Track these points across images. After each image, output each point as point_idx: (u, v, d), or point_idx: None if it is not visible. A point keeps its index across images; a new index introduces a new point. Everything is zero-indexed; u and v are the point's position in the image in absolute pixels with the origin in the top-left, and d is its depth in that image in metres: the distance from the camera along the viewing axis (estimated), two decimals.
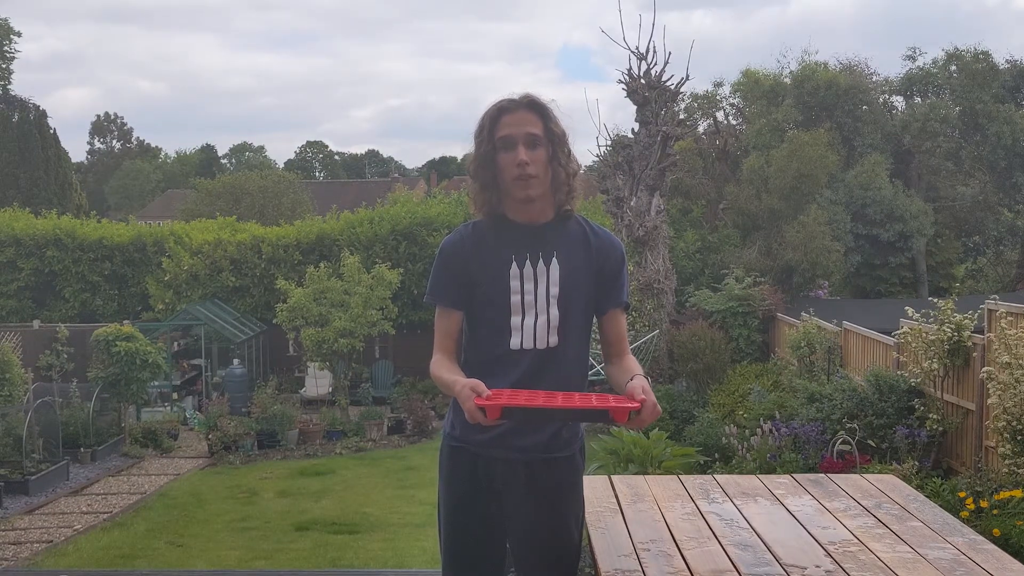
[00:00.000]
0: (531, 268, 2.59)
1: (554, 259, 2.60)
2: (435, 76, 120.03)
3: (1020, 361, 7.06)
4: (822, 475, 3.67)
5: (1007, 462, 7.06)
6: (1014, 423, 7.00)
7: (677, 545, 2.85)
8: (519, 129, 2.54)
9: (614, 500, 3.29)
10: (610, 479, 3.54)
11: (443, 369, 2.59)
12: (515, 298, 2.59)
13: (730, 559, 2.73)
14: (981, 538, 2.93)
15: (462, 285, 2.63)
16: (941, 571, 2.61)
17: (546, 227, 2.63)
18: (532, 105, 2.58)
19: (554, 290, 2.59)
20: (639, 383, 2.42)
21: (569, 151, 2.62)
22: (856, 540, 2.86)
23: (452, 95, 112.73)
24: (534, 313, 2.59)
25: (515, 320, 2.59)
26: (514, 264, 2.60)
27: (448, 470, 2.72)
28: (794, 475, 3.65)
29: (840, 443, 8.77)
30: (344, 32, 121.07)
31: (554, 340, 2.59)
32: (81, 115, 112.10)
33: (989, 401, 7.50)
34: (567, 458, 2.67)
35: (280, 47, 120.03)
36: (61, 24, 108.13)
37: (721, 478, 3.62)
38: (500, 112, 2.58)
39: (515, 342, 2.58)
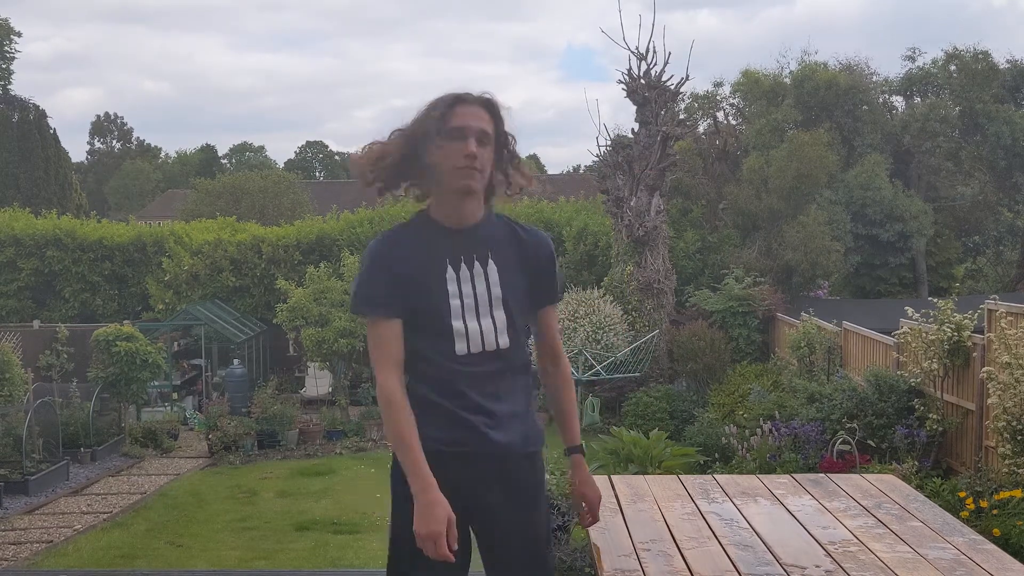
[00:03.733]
0: (467, 270, 2.54)
1: (490, 260, 2.56)
2: (439, 76, 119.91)
3: (1020, 361, 7.06)
4: (822, 475, 3.68)
5: (1007, 462, 7.07)
6: (1014, 423, 7.00)
7: (677, 545, 2.85)
8: (473, 123, 2.50)
9: (614, 500, 3.29)
10: (610, 479, 3.55)
11: (410, 425, 2.47)
12: (455, 302, 2.52)
13: (730, 559, 2.73)
14: (981, 538, 2.93)
15: (398, 292, 2.52)
16: (941, 571, 2.61)
17: (476, 228, 2.58)
18: (489, 105, 2.56)
19: (496, 291, 2.55)
20: (583, 491, 2.68)
21: (518, 158, 2.62)
22: (856, 540, 2.87)
23: None
24: (476, 316, 2.53)
25: (457, 324, 2.52)
26: (449, 267, 2.54)
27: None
28: (794, 475, 3.66)
29: (840, 443, 8.78)
30: (351, 32, 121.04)
31: (504, 341, 2.55)
32: (86, 115, 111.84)
33: (989, 401, 7.50)
34: (530, 456, 2.64)
35: (286, 47, 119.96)
36: (69, 24, 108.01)
37: (721, 478, 3.62)
38: (457, 100, 2.53)
39: (461, 347, 2.52)
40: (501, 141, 2.56)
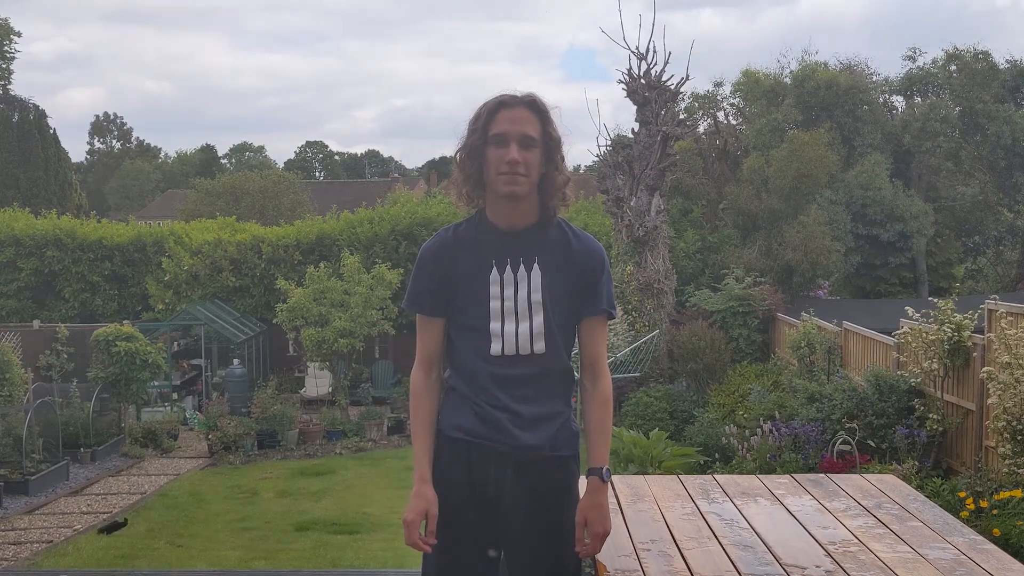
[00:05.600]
0: (511, 273, 2.54)
1: (535, 264, 2.54)
2: (440, 76, 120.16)
3: (1020, 361, 7.05)
4: (822, 475, 3.67)
5: (1007, 462, 7.05)
6: (1014, 423, 6.99)
7: (677, 545, 2.85)
8: (515, 127, 2.48)
9: (614, 500, 3.29)
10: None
11: (421, 419, 2.60)
12: (495, 304, 2.53)
13: (730, 559, 2.73)
14: (981, 538, 2.93)
15: (442, 291, 2.59)
16: (941, 571, 2.61)
17: (527, 231, 2.56)
18: (533, 105, 2.52)
19: (536, 296, 2.53)
20: (586, 515, 2.51)
21: (563, 158, 2.56)
22: (856, 540, 2.86)
23: (456, 95, 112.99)
24: (515, 319, 2.52)
25: (495, 326, 2.53)
26: (494, 269, 2.54)
27: (442, 472, 2.59)
28: (794, 475, 3.65)
29: (840, 443, 8.78)
30: (353, 32, 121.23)
31: (540, 347, 2.53)
32: (88, 115, 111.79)
33: (989, 401, 7.49)
34: (558, 460, 2.56)
35: (288, 47, 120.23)
36: (71, 24, 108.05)
37: (721, 478, 3.62)
38: (499, 106, 2.51)
39: (496, 348, 2.52)
40: (549, 143, 2.52)
